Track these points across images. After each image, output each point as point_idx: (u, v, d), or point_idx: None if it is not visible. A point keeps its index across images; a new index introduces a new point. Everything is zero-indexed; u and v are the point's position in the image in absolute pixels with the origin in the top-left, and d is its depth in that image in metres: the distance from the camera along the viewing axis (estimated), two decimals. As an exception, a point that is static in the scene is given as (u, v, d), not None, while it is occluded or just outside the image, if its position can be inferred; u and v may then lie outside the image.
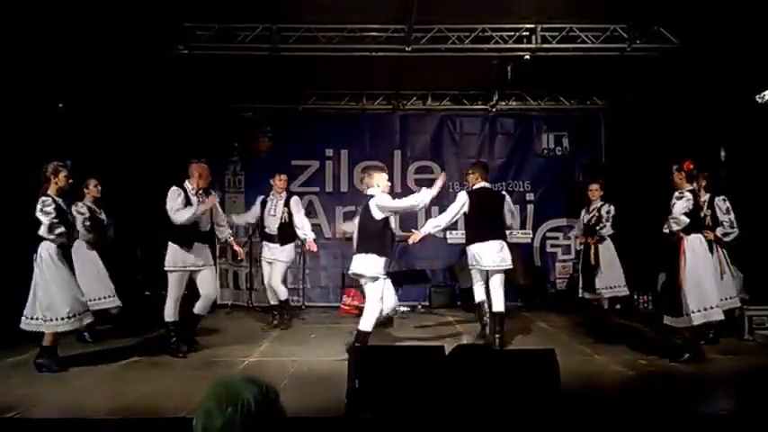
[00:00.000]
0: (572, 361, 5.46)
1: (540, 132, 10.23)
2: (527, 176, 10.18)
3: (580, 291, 7.42)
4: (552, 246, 10.14)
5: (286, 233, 7.62)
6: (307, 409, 4.12)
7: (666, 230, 5.74)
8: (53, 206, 5.37)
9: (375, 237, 5.86)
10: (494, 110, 10.06)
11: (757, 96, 6.49)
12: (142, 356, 5.97)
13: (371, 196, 5.95)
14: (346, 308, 8.89)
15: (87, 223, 6.66)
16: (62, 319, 5.34)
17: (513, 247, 8.82)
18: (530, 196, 10.12)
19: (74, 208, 6.38)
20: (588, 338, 6.79)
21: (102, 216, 6.96)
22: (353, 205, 9.81)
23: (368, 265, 5.84)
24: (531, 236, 9.77)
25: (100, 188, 6.90)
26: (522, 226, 9.97)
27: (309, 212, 8.80)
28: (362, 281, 6.00)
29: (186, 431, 1.51)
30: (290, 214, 7.61)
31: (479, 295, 6.70)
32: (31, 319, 5.35)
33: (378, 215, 5.84)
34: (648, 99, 8.81)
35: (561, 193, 10.06)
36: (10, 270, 6.38)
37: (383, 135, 10.20)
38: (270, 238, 7.68)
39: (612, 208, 7.17)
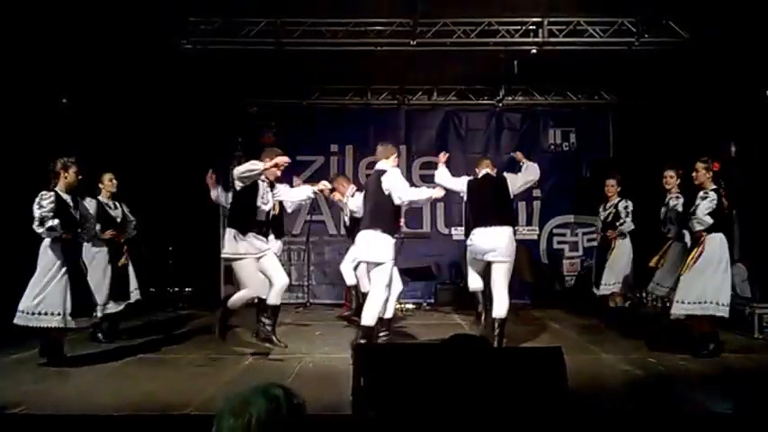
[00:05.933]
0: (580, 359, 5.40)
1: (547, 128, 10.16)
2: (534, 172, 10.11)
3: (593, 287, 7.55)
4: (559, 242, 10.07)
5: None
6: (312, 407, 4.02)
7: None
8: (50, 200, 5.24)
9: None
10: (500, 105, 9.99)
11: None
12: (148, 353, 5.95)
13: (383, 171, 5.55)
14: (352, 305, 8.84)
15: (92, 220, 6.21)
16: (54, 314, 5.20)
17: (518, 243, 8.93)
18: (536, 192, 10.02)
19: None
20: (596, 336, 6.73)
21: (115, 213, 6.58)
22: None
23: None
24: (537, 232, 9.76)
25: (115, 182, 6.56)
26: (529, 222, 9.95)
27: (314, 208, 8.74)
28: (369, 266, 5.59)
29: (191, 428, 1.51)
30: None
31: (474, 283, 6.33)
32: (22, 312, 5.22)
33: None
34: (657, 94, 8.72)
35: (568, 189, 10.01)
36: (14, 267, 6.37)
37: (388, 130, 10.10)
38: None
39: (630, 203, 7.27)
